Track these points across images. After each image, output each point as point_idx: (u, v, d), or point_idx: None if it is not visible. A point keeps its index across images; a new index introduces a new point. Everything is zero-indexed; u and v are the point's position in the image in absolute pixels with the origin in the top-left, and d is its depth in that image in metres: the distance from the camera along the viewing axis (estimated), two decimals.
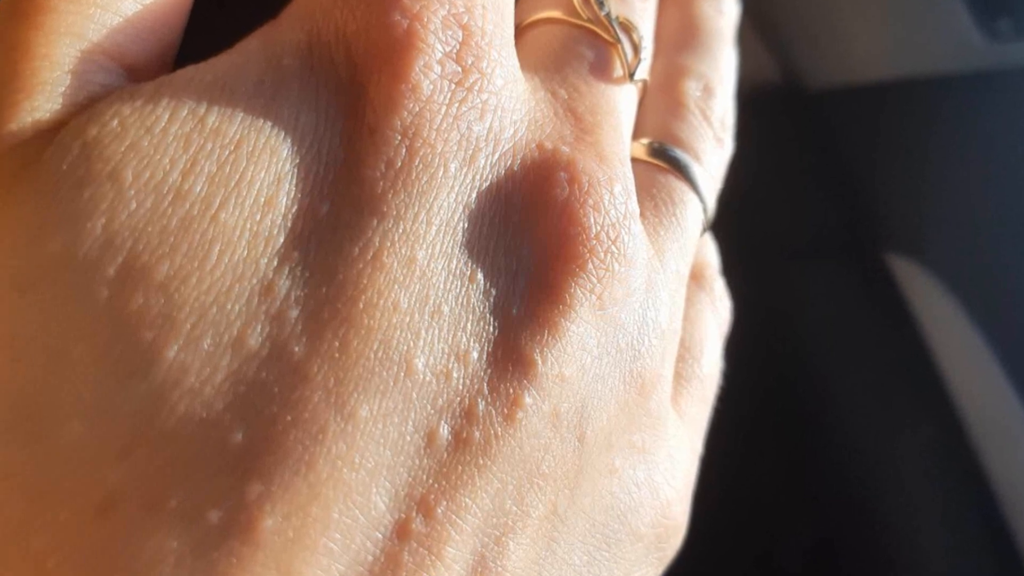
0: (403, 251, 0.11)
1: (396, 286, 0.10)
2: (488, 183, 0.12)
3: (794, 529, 0.26)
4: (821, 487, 0.26)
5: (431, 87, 0.11)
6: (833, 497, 0.25)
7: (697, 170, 0.15)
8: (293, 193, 0.11)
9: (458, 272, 0.11)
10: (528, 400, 0.11)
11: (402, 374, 0.10)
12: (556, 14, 0.14)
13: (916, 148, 0.25)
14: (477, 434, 0.11)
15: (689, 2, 0.16)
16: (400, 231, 0.11)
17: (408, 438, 0.10)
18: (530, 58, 0.14)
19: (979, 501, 0.24)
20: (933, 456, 0.24)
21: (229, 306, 0.10)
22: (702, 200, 0.15)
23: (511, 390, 0.11)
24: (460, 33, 0.11)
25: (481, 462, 0.11)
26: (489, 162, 0.12)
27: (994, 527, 0.23)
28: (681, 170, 0.15)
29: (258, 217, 0.10)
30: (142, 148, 0.10)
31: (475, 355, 0.11)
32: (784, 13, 0.26)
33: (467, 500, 0.11)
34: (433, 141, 0.11)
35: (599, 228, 0.12)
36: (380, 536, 0.10)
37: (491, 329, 0.11)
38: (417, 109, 0.11)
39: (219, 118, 0.11)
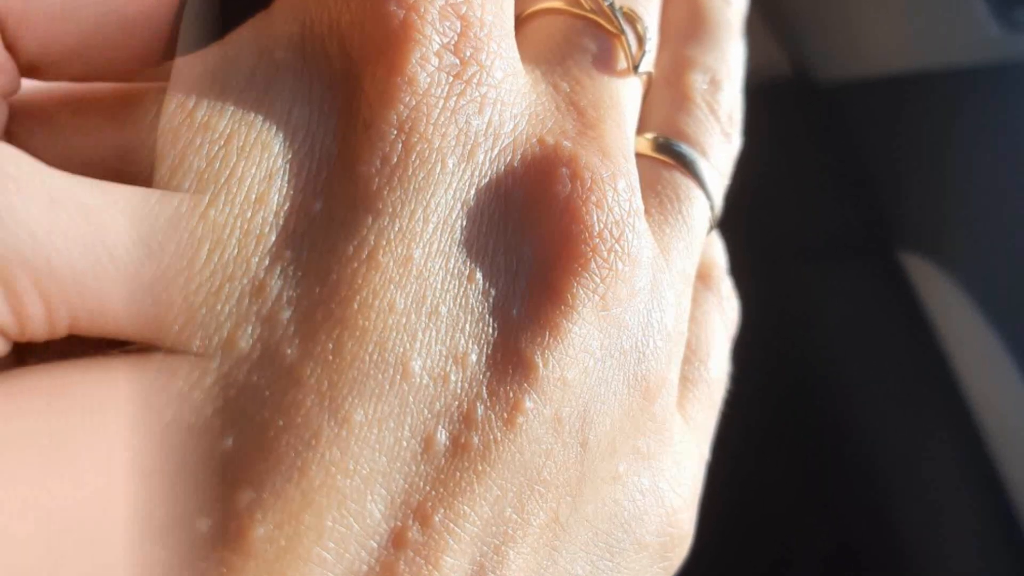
0: (399, 250, 0.10)
1: (392, 286, 0.10)
2: (487, 179, 0.11)
3: (812, 535, 0.26)
4: (837, 492, 0.25)
5: (428, 80, 0.11)
6: (850, 502, 0.25)
7: (704, 166, 0.14)
8: (285, 190, 0.10)
9: (456, 271, 0.11)
10: (529, 404, 0.11)
11: (398, 377, 0.10)
12: (558, 4, 0.14)
13: (931, 143, 0.24)
14: (476, 439, 0.10)
15: None
16: (396, 229, 0.10)
17: (404, 444, 0.10)
18: (531, 50, 0.13)
19: (997, 504, 0.23)
20: (951, 459, 0.24)
21: (219, 307, 0.10)
22: (709, 197, 0.14)
23: (511, 394, 0.11)
24: (458, 24, 0.11)
25: (480, 468, 0.10)
26: (488, 157, 0.11)
27: (1012, 528, 0.23)
28: (687, 166, 0.14)
29: (249, 215, 0.10)
30: None
31: (474, 357, 0.11)
32: (794, 3, 0.26)
33: (465, 508, 0.10)
34: (430, 136, 0.11)
35: (602, 226, 0.11)
36: (375, 545, 0.10)
37: (490, 331, 0.11)
38: (413, 103, 0.11)
39: (209, 112, 0.10)
